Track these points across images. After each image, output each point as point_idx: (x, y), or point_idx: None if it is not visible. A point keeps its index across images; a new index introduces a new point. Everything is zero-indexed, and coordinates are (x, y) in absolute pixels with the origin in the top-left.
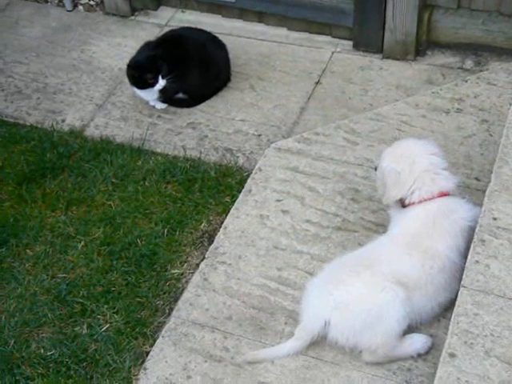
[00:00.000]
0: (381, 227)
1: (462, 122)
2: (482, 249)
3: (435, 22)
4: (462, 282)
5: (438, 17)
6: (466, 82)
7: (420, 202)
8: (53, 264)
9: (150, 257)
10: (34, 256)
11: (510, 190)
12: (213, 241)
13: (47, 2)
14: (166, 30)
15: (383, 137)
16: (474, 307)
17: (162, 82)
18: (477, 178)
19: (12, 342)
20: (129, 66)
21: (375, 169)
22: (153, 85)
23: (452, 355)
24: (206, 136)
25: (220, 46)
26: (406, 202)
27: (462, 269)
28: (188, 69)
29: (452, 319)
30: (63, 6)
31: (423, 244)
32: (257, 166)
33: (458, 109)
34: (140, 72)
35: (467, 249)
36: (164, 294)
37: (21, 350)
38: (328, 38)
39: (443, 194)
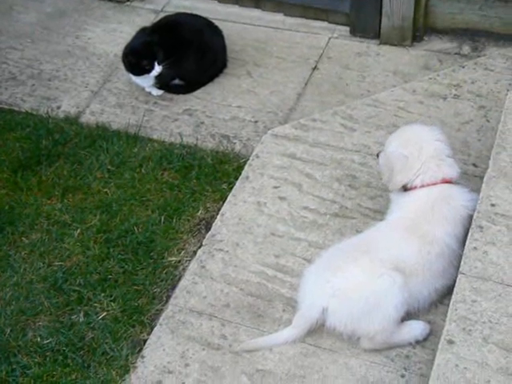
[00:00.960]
0: (378, 214)
1: (460, 107)
2: (480, 235)
3: (432, 7)
4: (461, 269)
5: (435, 2)
6: (463, 67)
7: (422, 186)
8: (49, 252)
9: (146, 244)
10: (30, 244)
11: (508, 176)
12: (210, 228)
13: None
14: (162, 15)
15: (380, 123)
16: (473, 294)
17: (157, 69)
18: (474, 164)
19: (8, 330)
20: (124, 52)
21: (377, 155)
22: (149, 71)
23: (450, 342)
24: (203, 122)
25: (216, 32)
26: (409, 185)
27: (460, 256)
28: (184, 55)
29: (450, 306)
30: None
31: (421, 229)
32: (254, 153)
33: (455, 95)
34: (136, 58)
35: (466, 236)
36: (161, 281)
37: (17, 338)
38: (325, 24)
39: (446, 181)
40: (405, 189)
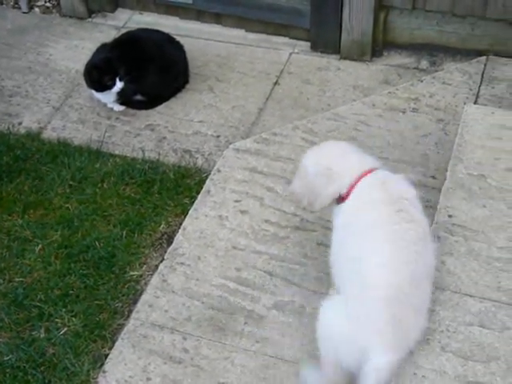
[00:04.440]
0: None
1: (418, 121)
2: (438, 246)
3: (391, 23)
4: None
5: (394, 17)
6: (422, 81)
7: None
8: (9, 268)
9: (108, 259)
10: None
11: (465, 188)
12: (172, 242)
13: (2, 3)
14: (123, 31)
15: (341, 136)
16: (430, 303)
17: (119, 84)
18: (433, 177)
19: None
20: (86, 68)
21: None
22: (110, 87)
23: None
24: (165, 138)
25: (178, 47)
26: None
27: None
28: (145, 70)
29: None
30: (19, 8)
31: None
32: (215, 167)
33: (413, 108)
34: (98, 74)
35: None
36: (123, 296)
37: None
38: (286, 39)
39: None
40: (338, 201)
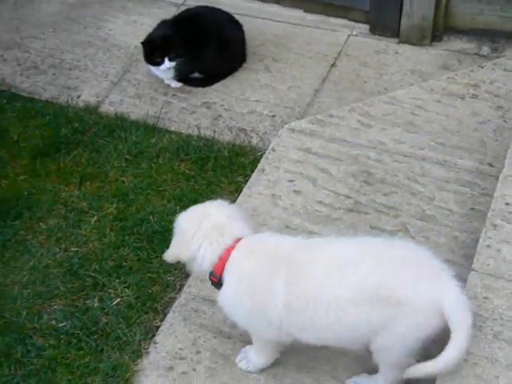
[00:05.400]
0: (392, 210)
1: (477, 107)
2: (494, 233)
3: (453, 8)
4: (473, 266)
5: (456, 2)
6: (482, 68)
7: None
8: (66, 238)
9: (162, 233)
10: (47, 229)
11: None
12: None
13: None
14: (183, 8)
15: (397, 120)
16: (484, 291)
17: (167, 64)
18: (490, 164)
19: (24, 312)
20: (142, 42)
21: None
22: (159, 63)
23: None
24: (220, 115)
25: (237, 27)
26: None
27: None
28: (204, 48)
29: None
30: None
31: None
32: (270, 146)
33: (473, 94)
34: (149, 49)
35: None
36: (175, 270)
37: (33, 320)
38: (344, 21)
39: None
40: (215, 284)
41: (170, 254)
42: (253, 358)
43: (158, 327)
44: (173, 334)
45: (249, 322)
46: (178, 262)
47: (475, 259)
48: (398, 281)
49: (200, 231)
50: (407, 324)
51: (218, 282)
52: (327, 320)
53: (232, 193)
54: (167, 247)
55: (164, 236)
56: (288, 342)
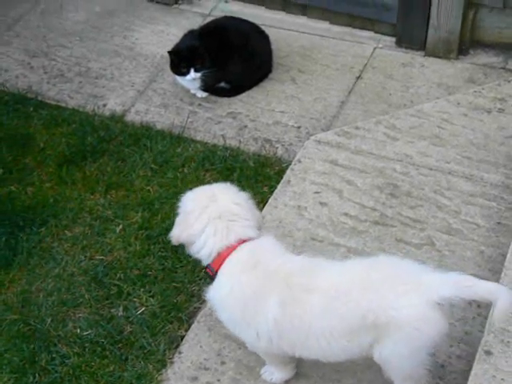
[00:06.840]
0: (418, 223)
1: (504, 121)
2: None
3: (479, 21)
4: (501, 281)
5: (483, 16)
6: (509, 82)
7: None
8: (91, 246)
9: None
10: (73, 237)
11: None
12: None
13: None
14: (209, 19)
15: (424, 133)
16: None
17: (193, 75)
18: None
19: (49, 320)
20: (169, 51)
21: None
22: (185, 74)
23: (488, 353)
24: (246, 126)
25: (263, 37)
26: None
27: None
28: (230, 58)
29: (489, 317)
30: None
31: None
32: (296, 158)
33: (499, 109)
34: (176, 59)
35: None
36: (200, 280)
37: (57, 328)
38: (370, 34)
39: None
40: (211, 277)
41: (173, 235)
42: (273, 370)
43: (182, 337)
44: (197, 345)
45: (234, 328)
46: (203, 272)
47: (503, 274)
48: (381, 302)
49: (205, 214)
50: (399, 338)
51: (212, 276)
52: (318, 345)
53: (257, 204)
54: (191, 257)
55: None
56: (289, 355)
